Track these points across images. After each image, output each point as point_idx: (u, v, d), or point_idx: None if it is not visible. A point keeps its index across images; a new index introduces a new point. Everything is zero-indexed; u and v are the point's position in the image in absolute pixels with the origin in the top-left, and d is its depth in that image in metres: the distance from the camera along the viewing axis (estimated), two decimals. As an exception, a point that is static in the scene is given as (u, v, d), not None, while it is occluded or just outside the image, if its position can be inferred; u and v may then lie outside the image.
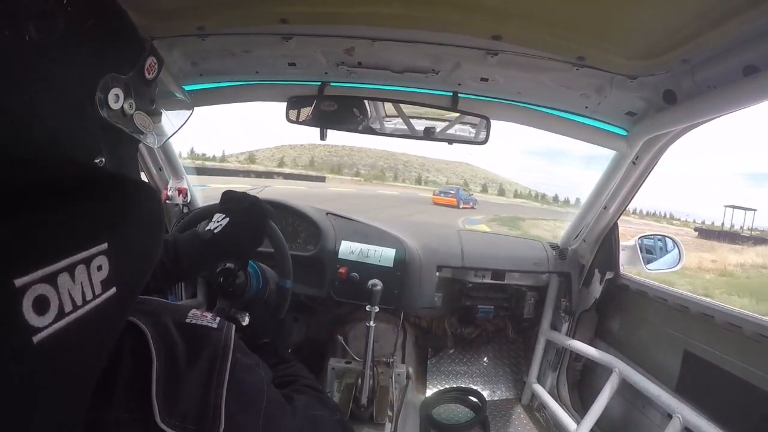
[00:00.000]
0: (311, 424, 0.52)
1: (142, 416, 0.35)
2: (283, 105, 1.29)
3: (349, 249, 1.49)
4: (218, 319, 0.45)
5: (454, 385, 2.06)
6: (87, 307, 0.30)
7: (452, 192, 30.50)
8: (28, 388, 0.27)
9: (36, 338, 0.26)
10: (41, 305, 0.27)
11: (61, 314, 0.28)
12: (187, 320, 0.42)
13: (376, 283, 1.23)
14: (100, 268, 0.31)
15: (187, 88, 1.34)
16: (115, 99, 0.40)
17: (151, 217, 0.38)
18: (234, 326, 0.45)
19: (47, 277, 0.27)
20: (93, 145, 0.39)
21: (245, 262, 0.93)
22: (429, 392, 2.02)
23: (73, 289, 0.29)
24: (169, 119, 0.50)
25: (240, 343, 0.45)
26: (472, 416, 1.89)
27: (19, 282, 0.26)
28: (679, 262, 1.59)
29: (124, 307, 0.36)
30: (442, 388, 2.04)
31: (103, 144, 0.40)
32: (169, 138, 0.55)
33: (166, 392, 0.36)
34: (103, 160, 0.40)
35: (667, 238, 1.67)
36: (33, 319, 0.26)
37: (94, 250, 0.31)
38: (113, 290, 0.32)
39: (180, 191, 1.60)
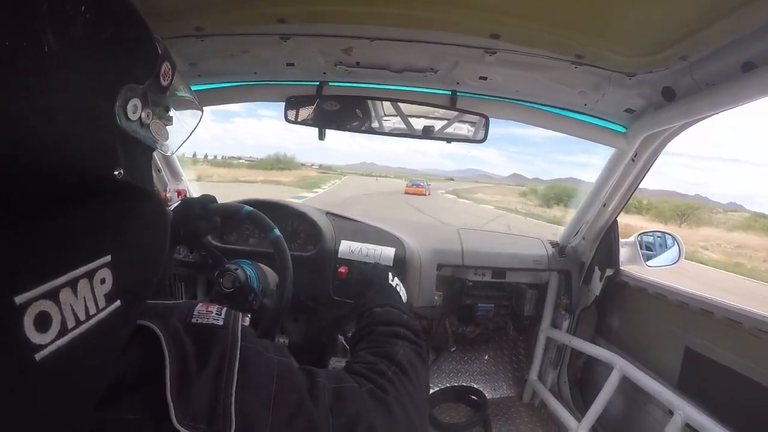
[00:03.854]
0: (335, 397, 0.48)
1: (152, 416, 0.34)
2: (282, 105, 1.29)
3: (348, 248, 1.49)
4: (223, 312, 0.44)
5: (455, 384, 2.07)
6: (90, 322, 0.29)
7: (421, 184, 37.79)
8: (31, 407, 0.26)
9: (38, 356, 0.26)
10: (43, 322, 0.26)
11: (63, 331, 0.27)
12: (194, 320, 0.42)
13: None
14: (103, 281, 0.30)
15: (186, 89, 1.34)
16: (134, 109, 0.39)
17: (156, 224, 0.37)
18: (240, 316, 0.45)
19: (49, 293, 0.26)
20: (112, 157, 0.38)
21: (198, 238, 1.02)
22: (430, 391, 2.02)
23: (75, 304, 0.28)
24: (181, 124, 0.49)
25: (247, 331, 0.45)
26: (473, 415, 1.90)
27: (19, 299, 0.25)
28: (679, 259, 1.59)
29: (129, 319, 0.35)
30: (442, 387, 2.05)
31: (120, 155, 0.39)
32: (182, 144, 0.55)
33: (179, 393, 0.35)
34: (122, 171, 0.39)
35: (666, 235, 1.67)
36: (35, 336, 0.26)
37: (96, 263, 0.30)
38: (117, 303, 0.32)
39: (179, 193, 1.60)
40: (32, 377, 0.26)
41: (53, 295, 0.27)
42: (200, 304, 0.45)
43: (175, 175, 1.62)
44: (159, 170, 1.56)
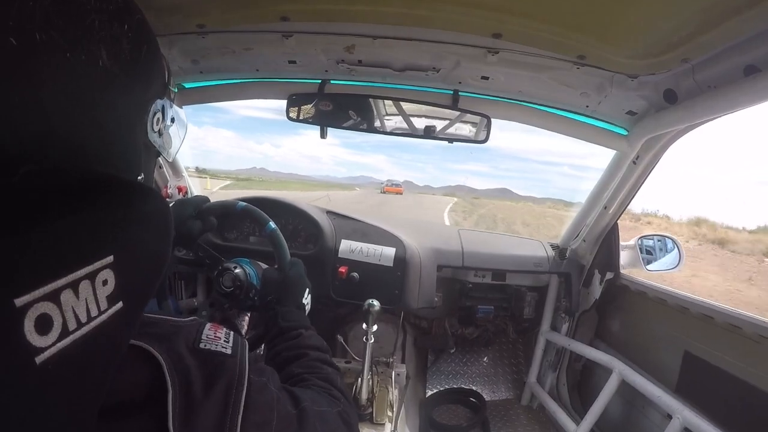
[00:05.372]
0: (320, 424, 0.52)
1: None
2: (284, 102, 1.29)
3: (349, 248, 1.49)
4: (231, 339, 0.44)
5: (454, 386, 2.06)
6: (92, 324, 0.29)
7: (399, 184, 45.50)
8: (32, 411, 0.26)
9: (39, 359, 0.25)
10: (44, 324, 0.26)
11: (64, 333, 0.27)
12: (201, 345, 0.41)
13: (373, 304, 1.16)
14: (105, 282, 0.30)
15: (187, 85, 1.34)
16: (157, 121, 0.43)
17: (159, 224, 0.37)
18: (246, 345, 0.45)
19: (49, 294, 0.26)
20: (137, 163, 0.42)
21: (192, 240, 1.00)
22: (429, 392, 2.02)
23: (77, 306, 0.28)
24: (178, 133, 0.52)
25: (252, 359, 0.45)
26: (471, 417, 1.89)
27: (19, 301, 0.24)
28: (679, 263, 1.59)
29: (132, 321, 0.34)
30: (442, 389, 2.04)
31: (142, 162, 0.43)
32: (177, 151, 0.57)
33: (182, 422, 0.35)
34: (142, 176, 0.42)
35: (667, 239, 1.67)
36: (35, 339, 0.25)
37: (99, 264, 0.29)
38: (120, 305, 0.31)
39: (180, 189, 1.60)
40: (33, 380, 0.26)
41: (54, 297, 0.26)
42: (208, 327, 0.44)
43: (176, 172, 1.62)
44: (160, 166, 1.56)
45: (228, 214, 1.01)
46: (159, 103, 0.43)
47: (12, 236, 0.25)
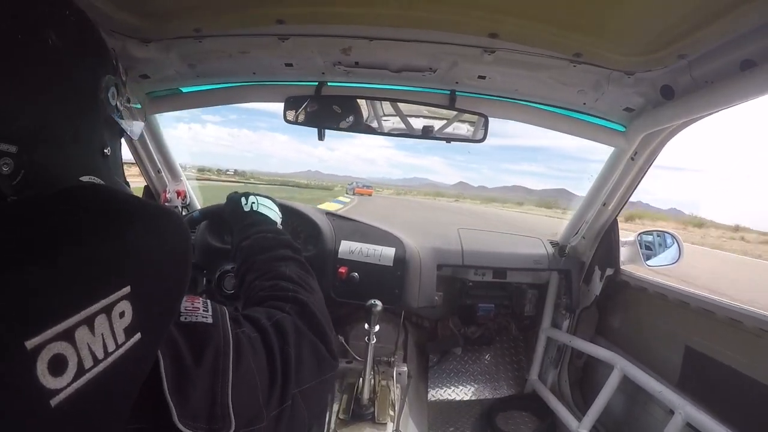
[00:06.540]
0: (277, 332, 0.51)
1: (152, 423, 0.33)
2: (281, 105, 1.29)
3: (348, 249, 1.49)
4: (210, 308, 0.44)
5: (515, 392, 2.03)
6: (109, 360, 0.27)
7: (370, 186, 48.63)
8: None
9: (54, 401, 0.24)
10: (58, 365, 0.24)
11: (80, 372, 0.25)
12: (182, 318, 0.41)
13: (376, 304, 1.15)
14: (122, 314, 0.28)
15: (185, 89, 1.34)
16: (113, 96, 0.45)
17: (177, 248, 0.35)
18: (226, 311, 0.46)
19: (63, 333, 0.24)
20: (101, 138, 0.44)
21: None
22: (431, 391, 2.02)
23: (93, 342, 0.26)
24: (137, 115, 0.54)
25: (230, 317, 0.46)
26: (539, 424, 1.85)
27: (30, 344, 0.23)
28: (679, 258, 1.59)
29: (152, 350, 0.33)
30: (504, 395, 2.02)
31: (105, 137, 0.45)
32: (140, 130, 0.59)
33: (177, 391, 0.35)
34: (109, 149, 0.45)
35: (666, 234, 1.67)
36: (49, 381, 0.24)
37: (115, 297, 0.28)
38: (138, 336, 0.29)
39: (179, 193, 1.60)
40: (48, 425, 0.24)
41: (68, 336, 0.25)
42: (185, 299, 0.44)
43: (175, 176, 1.62)
44: (159, 171, 1.56)
45: (193, 225, 1.03)
46: (111, 78, 0.45)
47: (19, 273, 0.24)
